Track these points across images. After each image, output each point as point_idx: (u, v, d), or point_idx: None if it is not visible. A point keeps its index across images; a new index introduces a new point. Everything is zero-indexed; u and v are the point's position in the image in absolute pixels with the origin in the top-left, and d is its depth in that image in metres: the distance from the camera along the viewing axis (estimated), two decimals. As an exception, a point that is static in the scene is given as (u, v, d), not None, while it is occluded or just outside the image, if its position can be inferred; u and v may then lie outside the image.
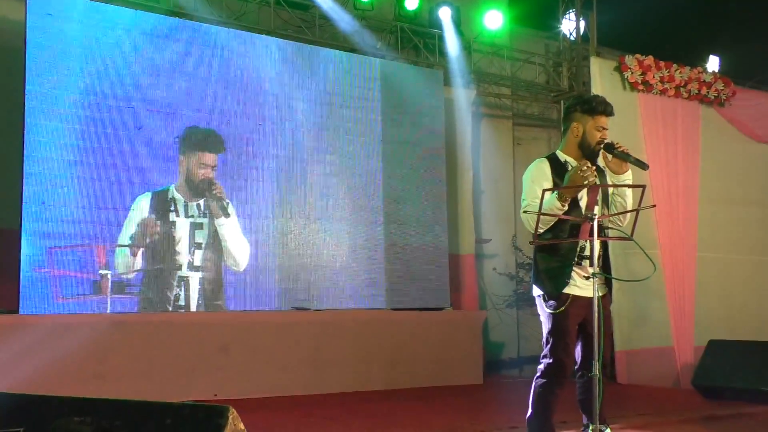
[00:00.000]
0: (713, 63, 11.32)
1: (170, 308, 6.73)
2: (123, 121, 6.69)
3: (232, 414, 2.15)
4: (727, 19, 12.00)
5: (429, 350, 7.60)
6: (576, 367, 3.80)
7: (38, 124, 6.29)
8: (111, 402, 2.34)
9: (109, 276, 6.48)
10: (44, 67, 6.36)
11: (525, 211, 3.70)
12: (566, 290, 3.67)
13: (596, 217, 3.45)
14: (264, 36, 7.70)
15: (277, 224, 7.43)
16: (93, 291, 6.44)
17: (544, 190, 3.60)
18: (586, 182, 3.52)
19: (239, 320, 6.88)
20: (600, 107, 3.84)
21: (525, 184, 3.83)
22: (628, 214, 3.75)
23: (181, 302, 6.80)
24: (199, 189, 7.02)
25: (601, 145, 3.74)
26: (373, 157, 8.10)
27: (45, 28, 6.38)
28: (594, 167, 3.62)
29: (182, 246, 6.88)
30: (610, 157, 3.73)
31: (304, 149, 7.67)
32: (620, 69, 8.36)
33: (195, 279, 6.90)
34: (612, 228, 3.83)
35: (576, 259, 3.68)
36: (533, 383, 3.77)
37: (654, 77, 8.41)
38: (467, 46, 9.37)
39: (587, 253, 3.66)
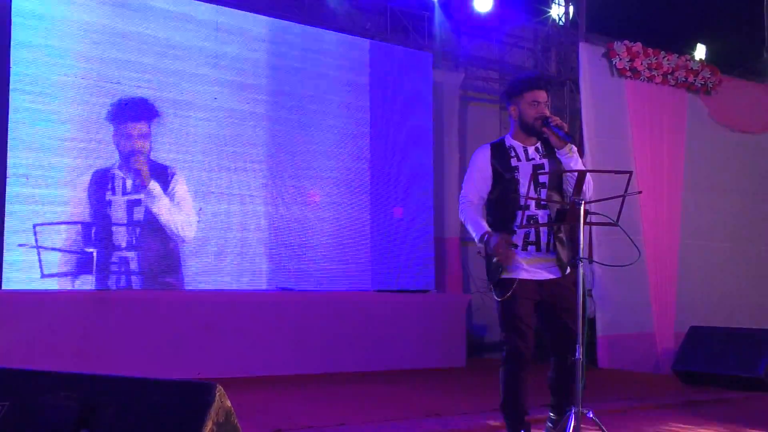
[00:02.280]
0: (700, 51, 11.37)
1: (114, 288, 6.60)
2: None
3: (219, 391, 2.16)
4: (715, 8, 12.03)
5: (413, 332, 7.65)
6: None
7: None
8: (98, 378, 2.34)
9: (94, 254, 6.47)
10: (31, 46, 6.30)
11: (460, 201, 3.81)
12: (513, 275, 3.66)
13: (583, 202, 3.46)
14: (252, 15, 7.64)
15: (264, 205, 7.42)
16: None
17: (508, 176, 3.63)
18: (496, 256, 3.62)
19: (223, 299, 6.88)
20: (527, 84, 3.78)
21: (468, 169, 3.85)
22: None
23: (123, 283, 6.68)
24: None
25: (540, 120, 3.68)
26: (361, 138, 8.09)
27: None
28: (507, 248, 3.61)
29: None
30: (547, 131, 3.68)
31: (291, 130, 7.65)
32: (608, 55, 8.38)
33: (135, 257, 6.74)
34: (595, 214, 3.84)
35: (522, 244, 3.64)
36: (500, 371, 3.81)
37: (642, 64, 8.44)
38: (456, 29, 9.35)
39: (532, 238, 3.65)
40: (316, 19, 8.23)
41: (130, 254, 6.72)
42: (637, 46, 8.44)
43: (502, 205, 3.70)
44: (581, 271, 3.49)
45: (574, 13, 9.83)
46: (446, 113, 9.04)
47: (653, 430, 4.66)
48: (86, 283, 6.43)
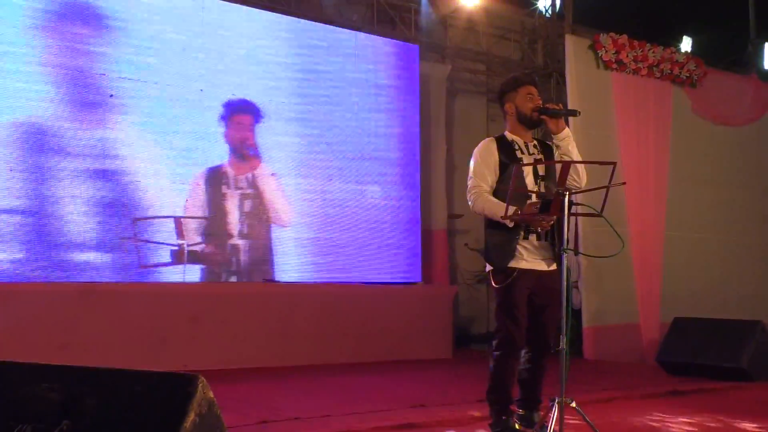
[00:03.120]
0: (686, 43, 11.42)
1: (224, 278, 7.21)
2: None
3: (202, 382, 2.16)
4: (701, 1, 12.07)
5: (400, 324, 7.66)
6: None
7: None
8: (80, 369, 2.33)
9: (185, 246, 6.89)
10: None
11: (472, 191, 3.83)
12: (513, 264, 3.74)
13: (567, 193, 3.48)
14: (239, 6, 7.59)
15: (251, 197, 7.41)
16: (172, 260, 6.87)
17: (516, 166, 3.66)
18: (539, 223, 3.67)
19: (209, 291, 6.87)
20: (520, 79, 3.99)
21: (473, 163, 3.91)
22: (583, 182, 3.80)
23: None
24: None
25: (537, 111, 3.84)
26: (348, 130, 8.07)
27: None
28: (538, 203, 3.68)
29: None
30: (547, 117, 3.85)
31: (277, 120, 7.62)
32: (594, 47, 8.39)
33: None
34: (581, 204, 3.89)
35: (523, 233, 3.74)
36: (490, 358, 3.86)
37: (627, 56, 8.46)
38: (443, 21, 9.34)
39: (533, 227, 3.75)
40: (304, 11, 8.19)
41: (238, 245, 7.23)
42: (623, 39, 8.46)
43: (506, 195, 3.74)
44: (565, 261, 3.52)
45: (560, 5, 9.84)
46: (433, 105, 9.04)
47: (637, 419, 4.70)
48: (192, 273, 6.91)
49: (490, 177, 3.84)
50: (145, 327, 6.29)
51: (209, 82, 7.24)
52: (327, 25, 8.13)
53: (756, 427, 4.49)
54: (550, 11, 10.02)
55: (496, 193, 3.83)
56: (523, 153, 3.88)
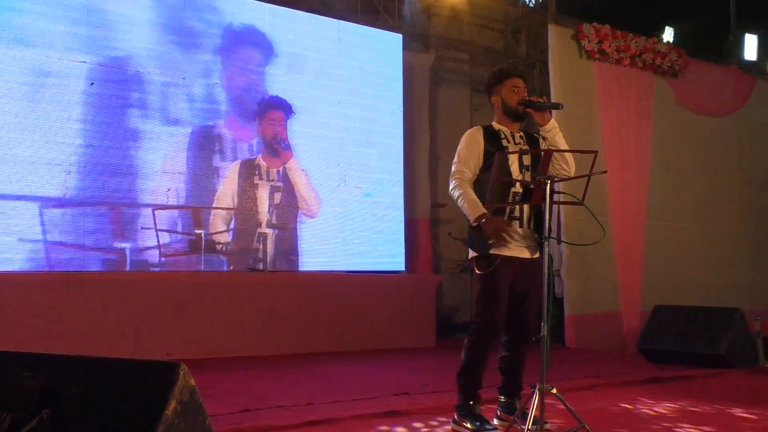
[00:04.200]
0: (668, 34, 11.47)
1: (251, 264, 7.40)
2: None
3: (183, 370, 2.16)
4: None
5: (383, 313, 7.68)
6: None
7: None
8: (61, 358, 2.32)
9: (202, 235, 7.00)
10: None
11: (454, 176, 3.90)
12: (496, 251, 3.77)
13: (548, 181, 3.50)
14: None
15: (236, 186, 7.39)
16: (190, 249, 6.98)
17: (499, 153, 3.68)
18: (492, 239, 3.72)
19: (193, 280, 6.84)
20: (506, 72, 4.05)
21: (459, 149, 3.96)
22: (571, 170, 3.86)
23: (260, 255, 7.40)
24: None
25: (522, 104, 3.91)
26: (332, 119, 8.05)
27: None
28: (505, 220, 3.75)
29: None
30: (532, 110, 3.92)
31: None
32: (577, 37, 8.42)
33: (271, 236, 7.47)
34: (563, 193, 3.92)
35: (507, 220, 3.78)
36: (465, 341, 3.90)
37: (610, 46, 8.49)
38: (427, 10, 9.32)
39: (516, 214, 3.81)
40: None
41: (267, 234, 7.43)
42: (606, 29, 8.49)
43: (488, 182, 3.77)
44: (547, 249, 3.55)
45: (544, -6, 9.85)
46: (417, 94, 9.03)
47: (617, 406, 4.74)
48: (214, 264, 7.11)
49: (474, 164, 3.89)
50: (129, 316, 6.27)
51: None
52: (310, 14, 8.08)
53: (735, 413, 4.55)
54: (533, 1, 10.02)
55: (478, 181, 3.88)
56: (509, 142, 3.93)
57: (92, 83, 6.58)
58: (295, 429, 3.87)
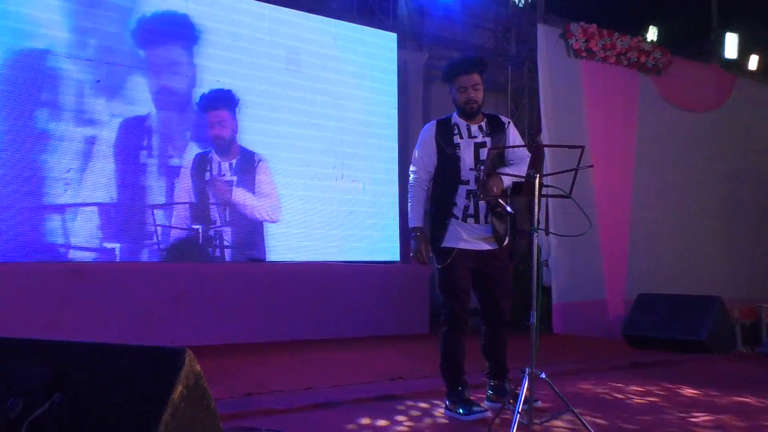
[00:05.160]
0: (652, 33, 11.48)
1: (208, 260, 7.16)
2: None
3: (189, 356, 2.16)
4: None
5: (379, 301, 7.69)
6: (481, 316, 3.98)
7: None
8: (70, 344, 2.32)
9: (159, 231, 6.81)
10: None
11: (410, 178, 4.00)
12: (452, 245, 3.78)
13: (537, 176, 3.50)
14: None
15: (235, 180, 7.37)
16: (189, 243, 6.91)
17: (491, 149, 3.68)
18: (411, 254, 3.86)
19: (196, 271, 6.84)
20: (456, 68, 3.88)
21: (416, 148, 3.97)
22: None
23: (218, 254, 7.19)
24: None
25: (470, 104, 3.83)
26: (328, 115, 8.04)
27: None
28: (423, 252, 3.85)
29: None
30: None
31: (257, 108, 7.57)
32: (565, 36, 8.41)
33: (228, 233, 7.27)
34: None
35: (461, 216, 3.79)
36: (439, 335, 3.92)
37: (597, 45, 8.49)
38: (420, 11, 9.30)
39: (471, 212, 3.80)
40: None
41: (225, 230, 7.18)
42: (593, 28, 8.48)
43: (443, 180, 3.78)
44: (536, 241, 3.56)
45: (533, -5, 9.84)
46: (411, 91, 9.03)
47: (603, 389, 4.77)
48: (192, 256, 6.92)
49: (427, 162, 3.89)
50: (134, 306, 6.26)
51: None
52: (308, 14, 8.06)
53: (714, 395, 4.59)
54: (522, 1, 10.01)
55: (434, 178, 3.88)
56: (462, 137, 3.84)
57: (98, 80, 6.56)
58: (296, 412, 3.89)
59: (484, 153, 3.79)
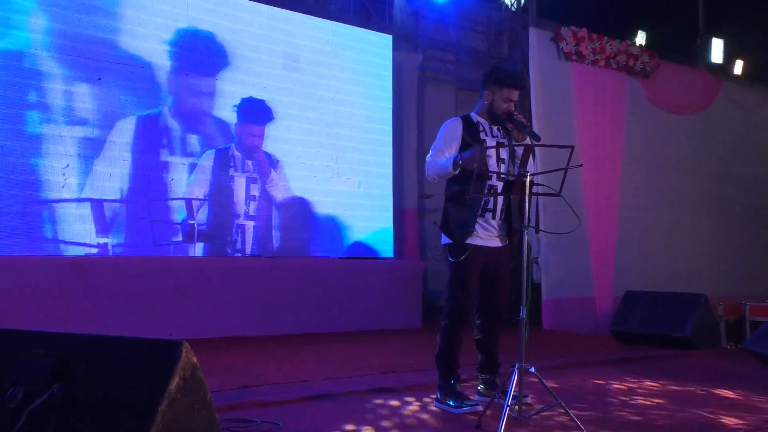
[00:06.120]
0: (641, 37, 11.49)
1: (229, 252, 7.23)
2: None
3: (186, 348, 2.15)
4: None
5: (373, 296, 7.69)
6: (475, 311, 3.97)
7: None
8: (71, 336, 2.31)
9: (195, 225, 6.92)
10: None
11: (427, 163, 3.92)
12: (469, 240, 3.78)
13: (528, 174, 3.50)
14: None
15: (232, 179, 7.36)
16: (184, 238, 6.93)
17: (486, 147, 3.69)
18: (473, 166, 3.61)
19: (195, 265, 6.82)
20: (508, 80, 3.93)
21: (437, 140, 3.95)
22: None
23: (239, 246, 7.26)
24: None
25: (506, 117, 3.88)
26: (325, 114, 8.03)
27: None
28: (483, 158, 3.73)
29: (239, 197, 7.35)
30: (512, 125, 3.89)
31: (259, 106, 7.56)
32: (556, 39, 8.42)
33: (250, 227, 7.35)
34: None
35: (480, 211, 3.78)
36: (440, 324, 3.91)
37: (587, 48, 8.50)
38: (415, 13, 9.29)
39: (491, 206, 3.82)
40: (284, 1, 8.09)
41: (247, 223, 7.27)
42: (583, 32, 8.49)
43: (465, 175, 3.76)
44: (526, 238, 3.55)
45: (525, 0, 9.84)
46: (405, 92, 9.03)
47: (590, 383, 4.78)
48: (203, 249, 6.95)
49: (448, 155, 3.86)
50: (132, 298, 6.24)
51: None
52: (305, 15, 8.04)
53: (699, 389, 4.60)
54: (515, 5, 10.01)
55: (455, 175, 3.86)
56: (487, 135, 3.91)
57: (99, 78, 6.53)
58: (292, 404, 3.88)
59: (503, 151, 3.87)
